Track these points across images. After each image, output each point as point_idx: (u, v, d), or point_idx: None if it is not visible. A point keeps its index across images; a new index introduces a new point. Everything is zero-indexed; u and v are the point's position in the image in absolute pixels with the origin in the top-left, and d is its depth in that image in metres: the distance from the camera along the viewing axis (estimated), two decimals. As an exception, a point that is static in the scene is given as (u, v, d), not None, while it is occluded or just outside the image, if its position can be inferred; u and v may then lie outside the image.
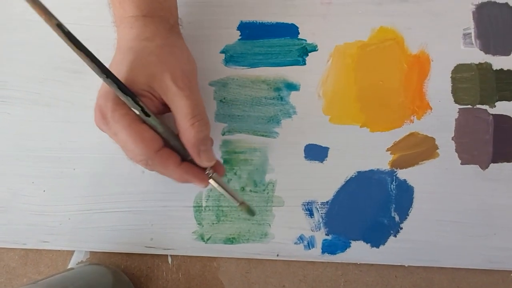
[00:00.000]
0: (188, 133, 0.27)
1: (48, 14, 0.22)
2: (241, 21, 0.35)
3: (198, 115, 0.27)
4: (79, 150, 0.35)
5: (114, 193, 0.34)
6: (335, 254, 0.33)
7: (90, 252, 0.34)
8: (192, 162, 0.28)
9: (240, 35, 0.35)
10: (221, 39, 0.35)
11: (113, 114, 0.26)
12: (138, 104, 0.26)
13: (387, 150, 0.34)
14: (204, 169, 0.28)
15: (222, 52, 0.35)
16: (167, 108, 0.28)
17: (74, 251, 0.34)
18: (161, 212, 0.34)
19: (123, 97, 0.25)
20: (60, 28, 0.23)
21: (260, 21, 0.35)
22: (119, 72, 0.26)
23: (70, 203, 0.34)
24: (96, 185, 0.34)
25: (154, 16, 0.28)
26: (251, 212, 0.29)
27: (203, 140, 0.27)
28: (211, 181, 0.28)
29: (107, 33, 0.35)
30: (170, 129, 0.27)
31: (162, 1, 0.29)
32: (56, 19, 0.22)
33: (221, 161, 0.34)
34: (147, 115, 0.26)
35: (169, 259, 0.34)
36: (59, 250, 0.34)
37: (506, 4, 0.35)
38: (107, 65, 0.26)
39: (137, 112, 0.26)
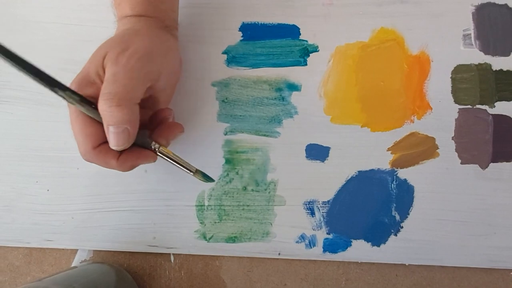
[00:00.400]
0: (99, 110, 0.25)
1: None
2: (243, 22, 0.36)
3: (107, 93, 0.24)
4: (82, 150, 0.35)
5: (116, 192, 0.34)
6: (336, 253, 0.33)
7: (94, 250, 0.34)
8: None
9: (242, 36, 0.36)
10: (223, 40, 0.36)
11: (69, 105, 0.26)
12: (57, 93, 0.24)
13: (388, 149, 0.34)
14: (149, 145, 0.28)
15: (224, 52, 0.35)
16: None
17: (77, 249, 0.35)
18: (163, 211, 0.34)
19: (43, 85, 0.24)
20: None
21: (262, 22, 0.36)
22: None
23: (73, 202, 0.35)
24: (99, 184, 0.34)
25: (149, 16, 0.29)
26: (207, 178, 0.30)
27: (110, 121, 0.25)
28: (159, 154, 0.28)
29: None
30: None
31: (159, 4, 0.29)
32: None
33: (223, 161, 0.34)
34: (72, 103, 0.25)
35: (172, 258, 0.34)
36: (62, 249, 0.35)
37: (506, 5, 0.35)
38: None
39: (75, 104, 0.25)
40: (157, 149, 0.29)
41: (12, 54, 0.23)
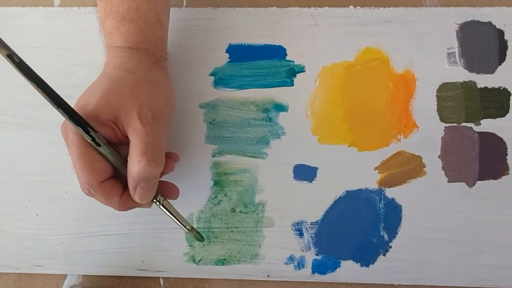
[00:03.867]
0: (132, 168, 0.26)
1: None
2: (230, 43, 0.36)
3: (148, 153, 0.26)
4: (70, 174, 0.35)
5: (105, 216, 0.34)
6: (325, 274, 0.33)
7: (83, 275, 0.34)
8: None
9: (229, 58, 0.36)
10: (210, 61, 0.36)
11: (71, 135, 0.26)
12: (89, 133, 0.26)
13: (375, 169, 0.34)
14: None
15: (211, 74, 0.36)
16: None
17: (67, 274, 0.34)
18: (152, 234, 0.34)
19: (74, 126, 0.26)
20: (11, 58, 0.23)
21: (248, 44, 0.36)
22: (91, 96, 0.27)
23: (62, 226, 0.35)
24: (88, 209, 0.34)
25: (140, 49, 0.29)
26: (200, 237, 0.30)
27: (145, 178, 0.27)
28: (161, 207, 0.29)
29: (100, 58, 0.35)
30: (123, 160, 0.28)
31: (149, 35, 0.29)
32: (8, 49, 0.23)
33: (212, 183, 0.34)
34: (98, 145, 0.26)
35: (161, 281, 0.34)
36: (52, 274, 0.34)
37: (489, 23, 0.36)
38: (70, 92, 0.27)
39: (89, 141, 0.26)
40: (161, 202, 0.29)
41: (60, 100, 0.25)
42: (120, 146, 0.28)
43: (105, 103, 0.26)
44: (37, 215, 0.35)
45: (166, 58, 0.31)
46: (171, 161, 0.31)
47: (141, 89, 0.28)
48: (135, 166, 0.26)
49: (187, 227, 0.30)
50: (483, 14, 0.36)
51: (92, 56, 0.36)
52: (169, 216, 0.30)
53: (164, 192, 0.30)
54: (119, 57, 0.28)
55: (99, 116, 0.26)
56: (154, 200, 0.29)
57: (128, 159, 0.27)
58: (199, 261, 0.34)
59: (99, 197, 0.27)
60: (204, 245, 0.34)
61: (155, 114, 0.27)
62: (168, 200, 0.30)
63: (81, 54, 0.36)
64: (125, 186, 0.28)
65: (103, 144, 0.27)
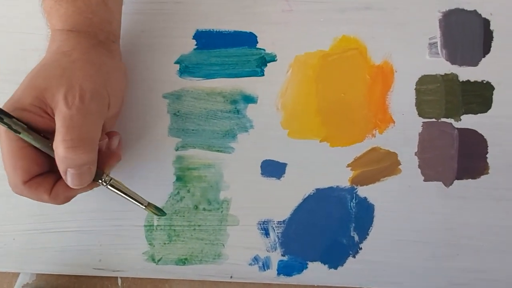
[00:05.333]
0: (56, 154, 0.24)
1: None
2: (197, 29, 0.34)
3: (68, 140, 0.24)
4: (25, 167, 0.33)
5: (61, 211, 0.32)
6: (291, 275, 0.32)
7: (37, 274, 0.33)
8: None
9: (196, 44, 0.34)
10: (175, 48, 0.34)
11: (1, 132, 0.24)
12: (2, 121, 0.24)
13: (348, 166, 0.32)
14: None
15: (176, 62, 0.33)
16: None
17: (19, 273, 0.33)
18: (110, 231, 0.32)
19: None
20: None
21: (217, 30, 0.34)
22: (22, 83, 0.25)
23: (15, 222, 0.33)
24: (42, 204, 0.31)
25: (79, 31, 0.27)
26: (159, 211, 0.29)
27: (72, 165, 0.25)
28: (109, 187, 0.28)
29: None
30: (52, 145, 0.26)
31: (91, 16, 0.27)
32: None
33: (174, 178, 0.33)
34: (17, 132, 0.24)
35: (119, 281, 0.32)
36: (4, 272, 0.33)
37: (475, 11, 0.33)
38: None
39: (5, 128, 0.24)
40: (107, 181, 0.27)
41: None
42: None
43: (30, 87, 0.24)
44: (-12, 209, 0.33)
45: (113, 41, 0.29)
46: (116, 153, 0.29)
47: (74, 69, 0.25)
48: (58, 152, 0.24)
49: (144, 204, 0.29)
50: (468, 1, 0.33)
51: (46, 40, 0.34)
52: (121, 195, 0.28)
53: (103, 162, 0.27)
54: (57, 40, 0.26)
55: (22, 100, 0.24)
56: (100, 181, 0.27)
57: (53, 144, 0.25)
58: (158, 260, 0.32)
59: (28, 196, 0.26)
60: (165, 243, 0.32)
61: (85, 94, 0.25)
62: (116, 179, 0.28)
63: (38, 39, 0.34)
64: (59, 176, 0.26)
65: (22, 130, 0.24)
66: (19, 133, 0.24)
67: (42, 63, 0.26)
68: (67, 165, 0.25)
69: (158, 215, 0.30)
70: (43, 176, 0.26)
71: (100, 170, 0.27)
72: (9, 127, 0.24)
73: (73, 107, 0.24)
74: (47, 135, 0.26)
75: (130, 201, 0.28)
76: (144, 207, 0.29)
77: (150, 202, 0.29)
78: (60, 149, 0.24)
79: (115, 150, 0.29)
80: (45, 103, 0.25)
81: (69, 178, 0.25)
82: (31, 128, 0.25)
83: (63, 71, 0.25)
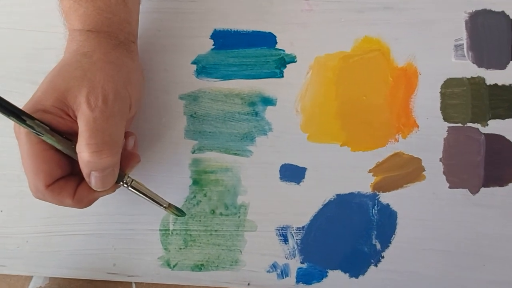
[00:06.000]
0: (80, 157, 0.24)
1: None
2: (215, 29, 0.33)
3: (92, 144, 0.23)
4: (39, 168, 0.32)
5: (75, 214, 0.32)
6: (310, 284, 0.31)
7: (50, 277, 0.32)
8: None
9: (213, 45, 0.33)
10: (193, 48, 0.33)
11: (21, 135, 0.24)
12: (25, 123, 0.23)
13: (369, 171, 0.31)
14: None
15: (193, 63, 0.33)
16: None
17: (32, 276, 0.32)
18: (125, 235, 0.32)
19: (6, 116, 0.23)
20: None
21: (235, 29, 0.33)
22: (41, 83, 0.25)
23: (29, 224, 0.32)
24: (57, 206, 0.30)
25: (99, 32, 0.26)
26: (180, 212, 0.29)
27: (96, 168, 0.24)
28: (130, 189, 0.27)
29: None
30: (74, 146, 0.25)
31: (111, 16, 0.26)
32: None
33: (190, 181, 0.32)
34: (40, 134, 0.24)
35: (133, 286, 0.32)
36: (17, 275, 0.32)
37: (503, 12, 0.32)
38: None
39: (29, 130, 0.24)
40: (129, 183, 0.27)
41: None
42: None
43: (51, 88, 0.24)
44: (1, 211, 0.32)
45: (133, 42, 0.28)
46: (135, 154, 0.28)
47: (95, 71, 0.24)
48: (82, 156, 0.24)
49: (164, 205, 0.28)
50: (495, 2, 0.32)
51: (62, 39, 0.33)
52: (142, 196, 0.28)
53: (124, 164, 0.27)
54: (76, 41, 0.26)
55: (44, 102, 0.24)
56: (121, 183, 0.27)
57: (76, 147, 0.24)
58: (174, 266, 0.31)
59: (50, 201, 0.25)
60: (180, 248, 0.31)
61: (107, 96, 0.24)
62: (137, 180, 0.27)
63: (50, 37, 0.33)
64: (82, 178, 0.26)
65: (45, 132, 0.24)
66: (42, 135, 0.24)
67: (62, 63, 0.25)
68: (91, 168, 0.24)
69: (178, 216, 0.29)
70: (65, 180, 0.26)
71: (121, 172, 0.27)
72: (32, 128, 0.23)
73: (96, 110, 0.24)
74: (69, 137, 0.25)
75: (151, 202, 0.28)
76: (164, 208, 0.28)
77: (171, 203, 0.29)
78: (84, 153, 0.24)
79: (132, 150, 0.29)
80: (66, 105, 0.24)
81: (93, 181, 0.25)
82: (53, 130, 0.24)
83: (84, 72, 0.24)
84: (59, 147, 0.25)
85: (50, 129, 0.24)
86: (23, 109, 0.23)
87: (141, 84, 0.29)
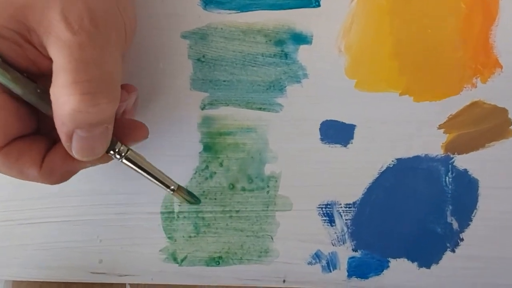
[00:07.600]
0: (58, 106, 0.18)
1: None
2: None
3: (84, 82, 0.17)
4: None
5: (46, 195, 0.26)
6: (367, 278, 0.27)
7: (12, 281, 0.27)
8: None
9: (226, -35, 0.27)
10: (198, -29, 0.27)
11: None
12: None
13: (440, 127, 0.26)
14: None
15: (199, -11, 0.27)
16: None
17: (-10, 280, 0.27)
18: (114, 221, 0.27)
19: None
20: None
21: None
22: None
23: (-20, 211, 0.27)
24: (21, 186, 0.26)
25: None
26: (193, 198, 0.23)
27: (84, 124, 0.18)
28: (125, 162, 0.21)
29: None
30: (40, 92, 0.19)
31: None
32: None
33: (200, 147, 0.26)
34: (5, 69, 0.18)
35: (128, 289, 0.27)
36: (-33, 280, 0.26)
37: None
38: None
39: None
40: (123, 153, 0.21)
41: None
42: (44, 77, 0.19)
43: (3, 2, 0.17)
44: None
45: None
46: (141, 123, 0.23)
47: None
48: (63, 103, 0.17)
49: (171, 186, 0.23)
50: None
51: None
52: (140, 173, 0.22)
53: (123, 134, 0.21)
54: None
55: None
56: (111, 152, 0.21)
57: (51, 91, 0.18)
58: (182, 260, 0.27)
59: (5, 171, 0.20)
60: (190, 237, 0.26)
61: (95, 13, 0.18)
62: (135, 151, 0.21)
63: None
64: (52, 141, 0.20)
65: None
66: None
67: None
68: (78, 122, 0.18)
69: (191, 203, 0.23)
70: (28, 141, 0.20)
71: (113, 138, 0.20)
72: None
73: (81, 32, 0.17)
74: (31, 77, 0.19)
75: (153, 181, 0.22)
76: (171, 192, 0.23)
77: (181, 185, 0.23)
78: (68, 98, 0.17)
79: (129, 111, 0.23)
80: (27, 27, 0.18)
81: (77, 145, 0.19)
82: (5, 63, 0.18)
83: None
84: (16, 89, 0.19)
85: (1, 61, 0.18)
86: None
87: (134, 8, 0.23)
